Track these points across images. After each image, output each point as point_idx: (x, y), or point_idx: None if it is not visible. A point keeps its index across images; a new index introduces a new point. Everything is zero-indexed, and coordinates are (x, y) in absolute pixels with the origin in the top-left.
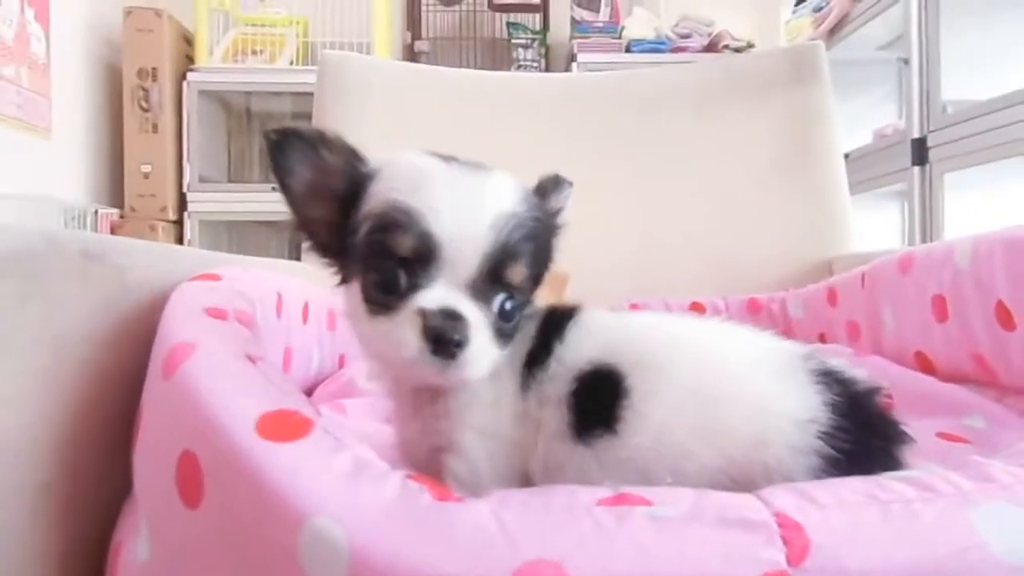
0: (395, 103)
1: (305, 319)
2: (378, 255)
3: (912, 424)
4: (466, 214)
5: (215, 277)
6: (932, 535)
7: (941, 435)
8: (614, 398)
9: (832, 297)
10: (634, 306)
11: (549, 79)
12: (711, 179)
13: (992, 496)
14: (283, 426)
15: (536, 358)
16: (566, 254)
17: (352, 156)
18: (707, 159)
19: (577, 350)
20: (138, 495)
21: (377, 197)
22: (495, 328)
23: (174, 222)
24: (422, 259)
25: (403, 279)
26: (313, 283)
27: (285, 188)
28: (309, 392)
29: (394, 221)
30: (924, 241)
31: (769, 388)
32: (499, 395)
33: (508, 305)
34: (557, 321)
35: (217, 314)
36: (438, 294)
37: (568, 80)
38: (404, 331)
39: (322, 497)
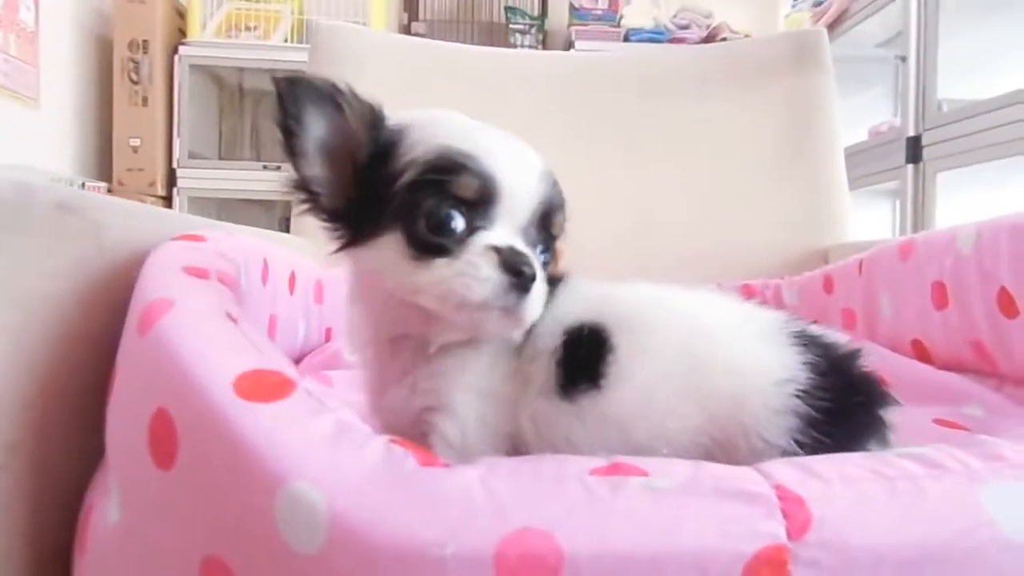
0: (389, 77)
1: (292, 289)
2: (435, 197)
3: (909, 411)
4: (520, 164)
5: (199, 238)
6: (940, 512)
7: (939, 422)
8: (600, 355)
9: (828, 284)
10: None
11: (548, 57)
12: (709, 164)
13: (1002, 474)
14: (262, 386)
15: None
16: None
17: (374, 113)
18: (706, 144)
19: (567, 309)
20: (109, 455)
21: (422, 145)
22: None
23: (163, 198)
24: (484, 201)
25: (463, 221)
26: (302, 256)
27: (291, 143)
28: (294, 363)
29: (455, 164)
30: None
31: (748, 349)
32: (496, 353)
33: (543, 257)
34: (549, 283)
35: (198, 273)
36: (504, 234)
37: (567, 59)
38: (478, 268)
39: (301, 459)
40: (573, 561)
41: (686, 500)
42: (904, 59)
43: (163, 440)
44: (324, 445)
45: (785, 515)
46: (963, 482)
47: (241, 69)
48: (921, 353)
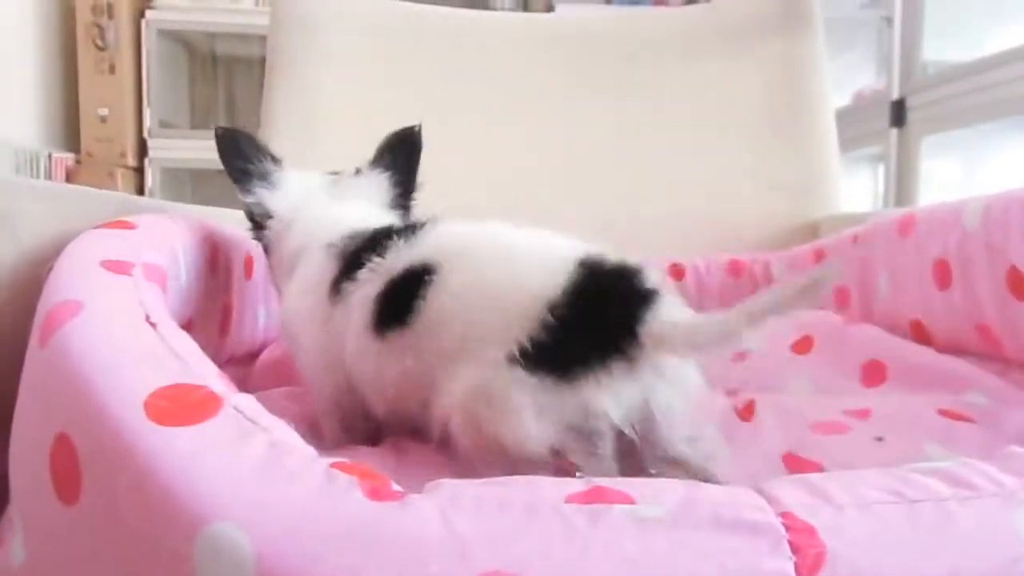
0: (356, 42)
1: (249, 274)
2: None
3: (911, 399)
4: None
5: (127, 225)
6: (972, 543)
7: (943, 412)
8: (412, 295)
9: (820, 258)
10: None
11: (526, 20)
12: (694, 131)
13: None
14: (182, 405)
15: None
16: (539, 207)
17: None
18: (691, 109)
19: (397, 256)
20: (12, 486)
21: None
22: None
23: (134, 169)
24: None
25: None
26: None
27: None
28: (256, 354)
29: None
30: (899, 205)
31: (524, 273)
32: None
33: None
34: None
35: (116, 267)
36: None
37: (547, 22)
38: None
39: (224, 496)
40: None
41: (678, 533)
42: (889, 20)
43: (66, 471)
44: (253, 477)
45: (794, 549)
46: (997, 506)
47: (212, 35)
48: (921, 335)
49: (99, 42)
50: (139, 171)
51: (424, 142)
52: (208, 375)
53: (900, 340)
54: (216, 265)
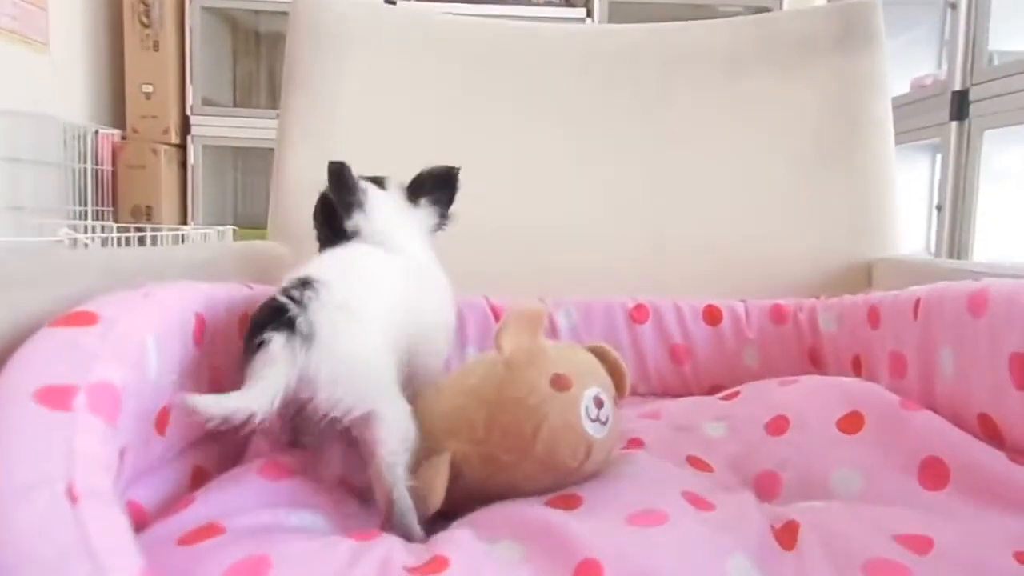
0: (379, 52)
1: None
2: None
3: (979, 528)
4: None
5: (88, 319)
6: None
7: (1020, 557)
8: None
9: (874, 317)
10: (639, 306)
11: (559, 30)
12: (737, 155)
13: None
14: None
15: None
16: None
17: None
18: (736, 133)
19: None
20: None
21: None
22: None
23: (177, 146)
24: None
25: None
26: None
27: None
28: None
29: None
30: (956, 201)
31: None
32: None
33: None
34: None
35: (54, 399)
36: None
37: (581, 32)
38: None
39: None
40: None
41: None
42: (954, 5)
43: None
44: None
45: None
46: None
47: (255, 12)
48: (991, 432)
49: (144, 19)
50: (182, 148)
51: (437, 159)
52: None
53: (966, 437)
54: (201, 336)
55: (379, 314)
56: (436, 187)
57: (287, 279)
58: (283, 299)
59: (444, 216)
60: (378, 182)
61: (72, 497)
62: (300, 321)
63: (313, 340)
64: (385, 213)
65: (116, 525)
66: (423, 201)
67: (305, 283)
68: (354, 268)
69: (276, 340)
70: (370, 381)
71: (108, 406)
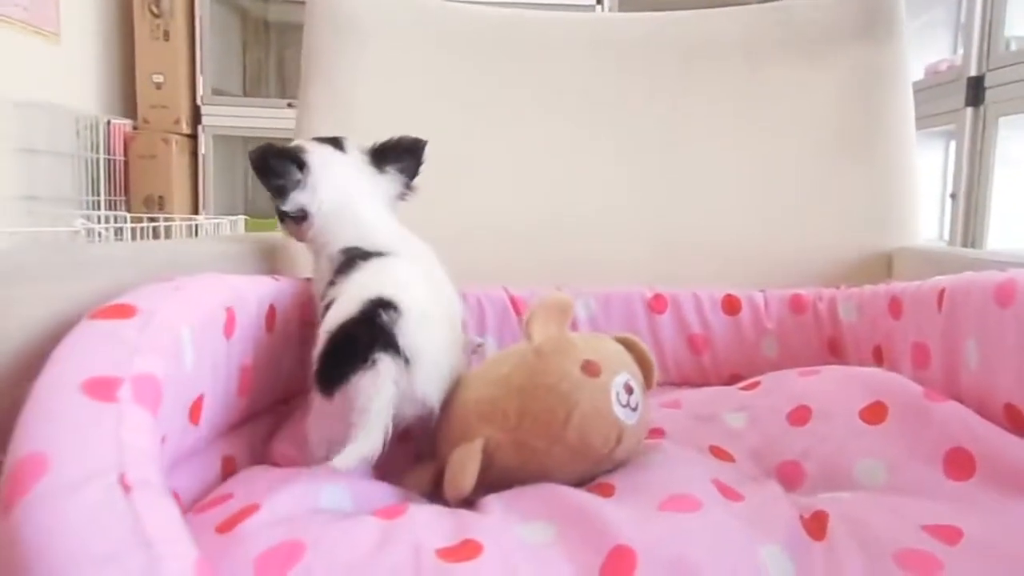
0: (396, 42)
1: (271, 327)
2: None
3: (1006, 518)
4: None
5: (127, 312)
6: None
7: None
8: None
9: (895, 308)
10: (658, 296)
11: (574, 19)
12: (755, 145)
13: None
14: None
15: None
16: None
17: None
18: (752, 120)
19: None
20: None
21: None
22: None
23: (188, 136)
24: None
25: None
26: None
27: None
28: (286, 400)
29: None
30: (970, 189)
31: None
32: None
33: None
34: None
35: (100, 390)
36: None
37: (597, 21)
38: None
39: None
40: None
41: None
42: None
43: None
44: None
45: None
46: None
47: (266, 1)
48: (1017, 422)
49: (154, 9)
50: (193, 138)
51: (455, 150)
52: (184, 558)
53: (992, 427)
54: (231, 329)
55: (441, 319)
56: (404, 155)
57: (358, 299)
58: (380, 318)
59: (408, 186)
60: (337, 143)
61: (125, 488)
62: (403, 343)
63: (414, 361)
64: (339, 183)
65: (169, 515)
66: (390, 168)
67: (383, 303)
68: (409, 280)
69: (384, 361)
70: (444, 388)
71: (151, 397)
